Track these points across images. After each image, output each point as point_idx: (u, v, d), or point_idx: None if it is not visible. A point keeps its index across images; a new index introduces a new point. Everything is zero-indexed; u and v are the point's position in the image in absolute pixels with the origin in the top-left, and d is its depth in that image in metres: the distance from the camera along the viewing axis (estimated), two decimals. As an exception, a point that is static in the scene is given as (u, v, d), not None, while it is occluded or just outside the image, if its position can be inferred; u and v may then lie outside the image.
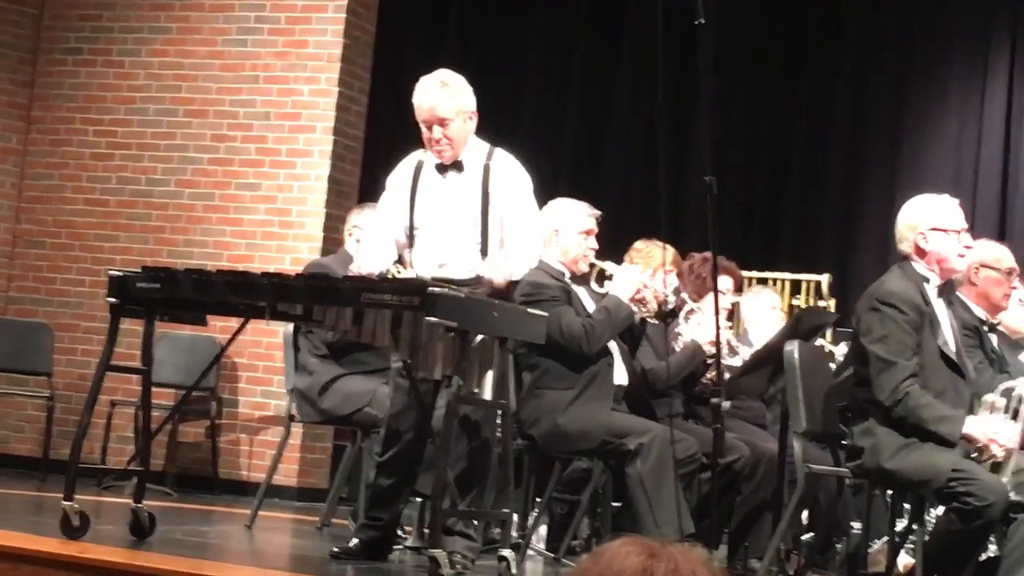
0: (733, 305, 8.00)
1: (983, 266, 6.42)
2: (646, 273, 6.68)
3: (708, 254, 7.50)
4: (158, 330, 6.21)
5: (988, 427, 5.51)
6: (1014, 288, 6.61)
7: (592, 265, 6.71)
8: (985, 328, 6.38)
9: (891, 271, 5.87)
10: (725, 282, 7.56)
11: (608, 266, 6.72)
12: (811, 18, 11.49)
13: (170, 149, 9.95)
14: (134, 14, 10.15)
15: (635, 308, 6.55)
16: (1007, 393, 5.69)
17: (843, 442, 6.13)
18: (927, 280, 5.78)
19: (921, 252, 5.79)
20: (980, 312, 6.40)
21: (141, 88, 10.07)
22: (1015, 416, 5.59)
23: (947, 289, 5.88)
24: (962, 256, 5.84)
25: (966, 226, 5.86)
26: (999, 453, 5.48)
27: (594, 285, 6.73)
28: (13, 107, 10.29)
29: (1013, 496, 5.43)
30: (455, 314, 5.24)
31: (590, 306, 6.62)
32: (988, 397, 5.65)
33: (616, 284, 6.56)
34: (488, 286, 5.81)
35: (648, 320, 6.79)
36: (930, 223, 5.78)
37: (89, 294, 9.93)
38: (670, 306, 6.78)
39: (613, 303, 6.48)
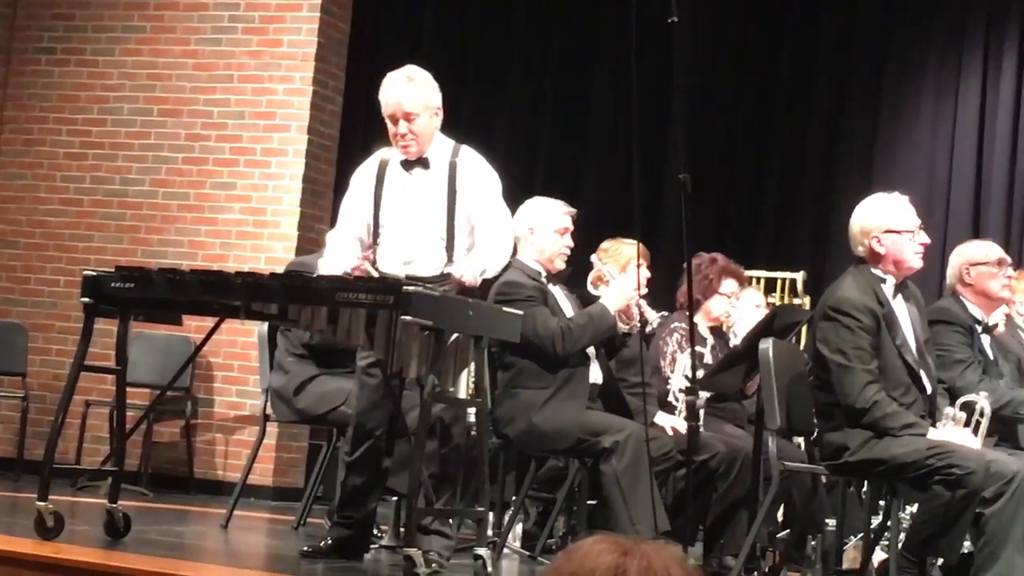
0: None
1: (972, 264, 6.41)
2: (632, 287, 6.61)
3: (715, 255, 7.53)
4: (133, 330, 6.20)
5: (954, 438, 5.52)
6: (1010, 277, 6.58)
7: (592, 268, 6.71)
8: (979, 329, 6.37)
9: (845, 275, 5.87)
10: (731, 285, 7.54)
11: (607, 271, 6.71)
12: (787, 19, 11.53)
13: (144, 148, 9.92)
14: (107, 13, 10.12)
15: (618, 321, 6.55)
16: (967, 407, 5.69)
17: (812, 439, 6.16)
18: (883, 281, 5.78)
19: (876, 256, 5.79)
20: (978, 312, 6.39)
21: (115, 87, 10.05)
22: (975, 430, 5.60)
23: (905, 284, 5.88)
24: (919, 254, 5.83)
25: (919, 223, 5.85)
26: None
27: (589, 287, 6.72)
28: (-14, 107, 10.26)
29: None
30: (430, 313, 5.24)
31: (565, 305, 6.62)
32: (948, 410, 5.66)
33: (609, 293, 6.54)
34: (457, 285, 5.79)
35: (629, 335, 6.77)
36: (883, 226, 5.77)
37: (63, 294, 9.90)
38: (652, 327, 6.76)
39: (599, 311, 6.46)
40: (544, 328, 6.34)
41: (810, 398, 6.30)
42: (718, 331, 7.63)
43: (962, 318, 6.31)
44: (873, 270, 5.79)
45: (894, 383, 5.64)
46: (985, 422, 5.62)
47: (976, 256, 6.46)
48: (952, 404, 5.80)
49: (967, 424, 5.62)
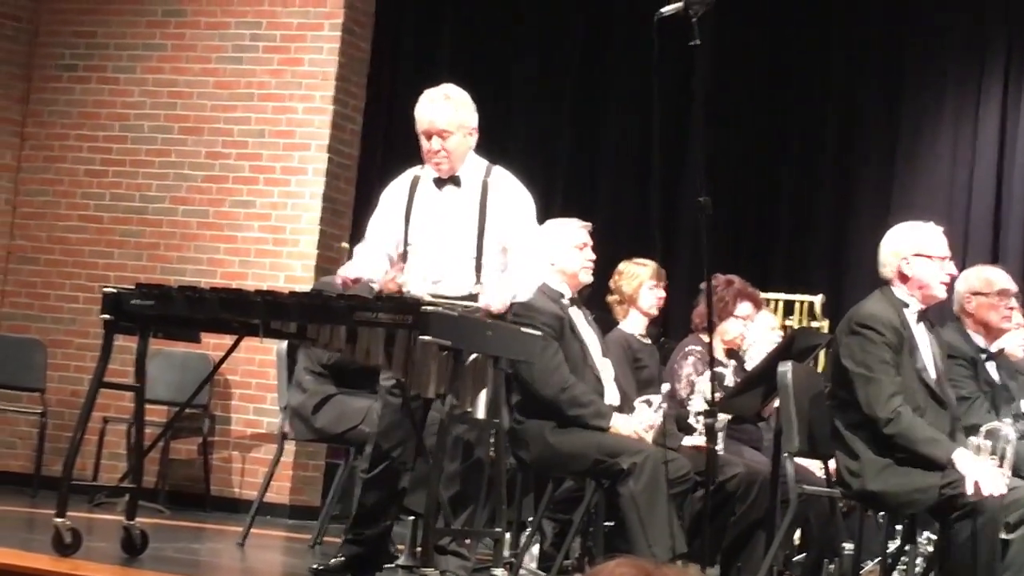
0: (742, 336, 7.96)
1: (974, 294, 6.39)
2: (643, 425, 6.53)
3: (732, 277, 7.51)
4: (151, 347, 6.21)
5: (979, 468, 5.45)
6: (1011, 309, 6.54)
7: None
8: (983, 356, 6.34)
9: (871, 295, 5.88)
10: (746, 308, 7.53)
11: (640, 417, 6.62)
12: (803, 39, 11.52)
13: (164, 166, 9.95)
14: (129, 31, 10.16)
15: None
16: (992, 434, 5.66)
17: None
18: (907, 305, 5.78)
19: (904, 277, 5.79)
20: (980, 340, 6.36)
21: (136, 105, 10.08)
22: (1001, 459, 5.56)
23: (927, 315, 5.88)
24: (945, 284, 5.82)
25: (949, 254, 5.85)
26: (975, 491, 5.40)
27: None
28: (7, 123, 10.28)
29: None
30: (449, 332, 5.24)
31: (585, 330, 6.60)
32: (973, 439, 5.63)
33: (621, 419, 6.45)
34: (485, 311, 5.78)
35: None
36: (913, 249, 5.78)
37: (83, 310, 9.92)
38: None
39: (602, 416, 6.37)
40: (546, 360, 6.27)
41: (828, 421, 6.30)
42: (733, 354, 7.62)
43: (964, 350, 6.27)
44: (897, 293, 5.79)
45: (913, 404, 5.62)
46: (1011, 450, 5.58)
47: (977, 285, 6.42)
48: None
49: (993, 452, 5.57)
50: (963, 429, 5.83)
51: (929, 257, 5.77)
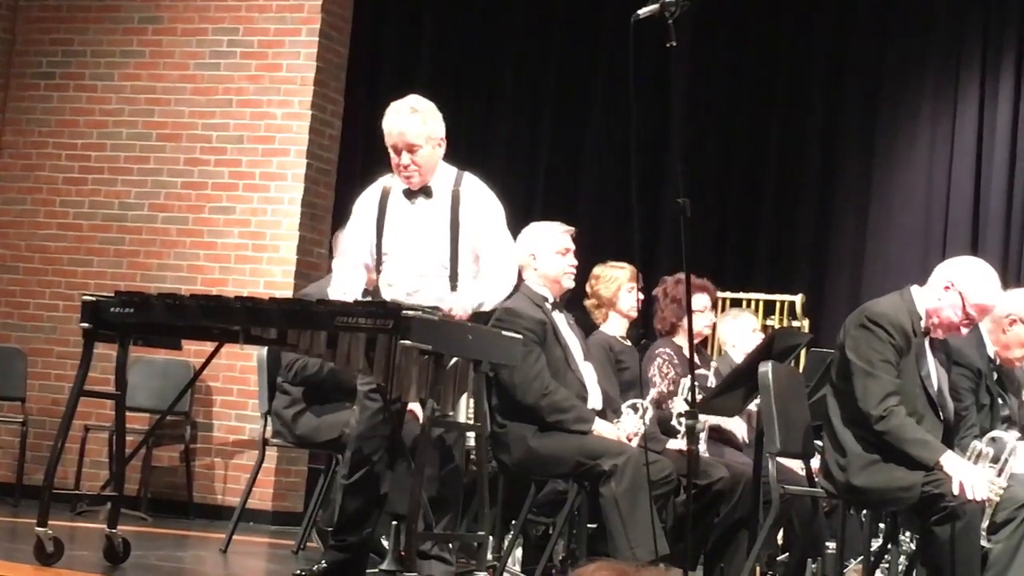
0: (711, 326, 8.01)
1: (1020, 321, 6.30)
2: (626, 434, 6.56)
3: (681, 275, 7.51)
4: (132, 354, 6.20)
5: (966, 470, 5.46)
6: None
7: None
8: (991, 367, 6.32)
9: (890, 294, 5.88)
10: (701, 300, 7.57)
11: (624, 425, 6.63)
12: (783, 40, 11.54)
13: (143, 173, 9.93)
14: (106, 38, 10.14)
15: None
16: (995, 442, 5.65)
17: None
18: (922, 318, 5.78)
19: (936, 298, 5.78)
20: (991, 352, 6.33)
21: (114, 112, 10.06)
22: (1001, 468, 5.54)
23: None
24: (950, 334, 5.83)
25: (976, 319, 5.81)
26: (965, 495, 5.41)
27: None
28: (-15, 132, 10.27)
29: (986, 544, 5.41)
30: (429, 337, 5.24)
31: (568, 334, 6.59)
32: (976, 444, 5.63)
33: (605, 427, 6.46)
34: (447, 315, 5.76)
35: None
36: (972, 298, 5.71)
37: (63, 319, 9.90)
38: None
39: (584, 420, 6.38)
40: (527, 368, 6.27)
41: (809, 420, 6.31)
42: (698, 348, 7.63)
43: (973, 359, 6.23)
44: (917, 298, 5.78)
45: (910, 408, 5.62)
46: (1012, 459, 5.57)
47: None
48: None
49: (995, 460, 5.56)
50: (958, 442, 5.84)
51: (964, 304, 5.72)
